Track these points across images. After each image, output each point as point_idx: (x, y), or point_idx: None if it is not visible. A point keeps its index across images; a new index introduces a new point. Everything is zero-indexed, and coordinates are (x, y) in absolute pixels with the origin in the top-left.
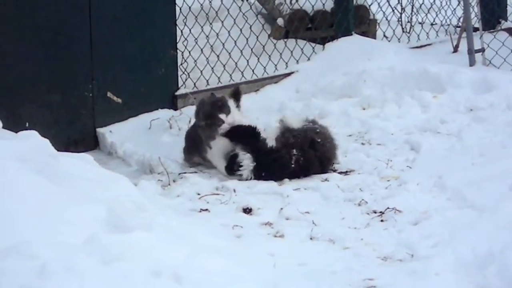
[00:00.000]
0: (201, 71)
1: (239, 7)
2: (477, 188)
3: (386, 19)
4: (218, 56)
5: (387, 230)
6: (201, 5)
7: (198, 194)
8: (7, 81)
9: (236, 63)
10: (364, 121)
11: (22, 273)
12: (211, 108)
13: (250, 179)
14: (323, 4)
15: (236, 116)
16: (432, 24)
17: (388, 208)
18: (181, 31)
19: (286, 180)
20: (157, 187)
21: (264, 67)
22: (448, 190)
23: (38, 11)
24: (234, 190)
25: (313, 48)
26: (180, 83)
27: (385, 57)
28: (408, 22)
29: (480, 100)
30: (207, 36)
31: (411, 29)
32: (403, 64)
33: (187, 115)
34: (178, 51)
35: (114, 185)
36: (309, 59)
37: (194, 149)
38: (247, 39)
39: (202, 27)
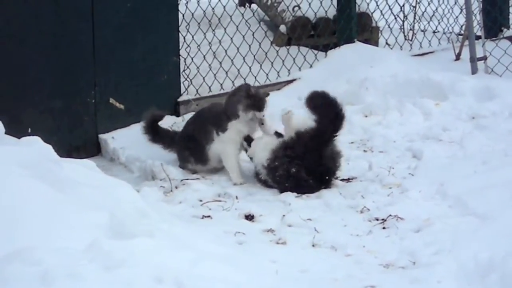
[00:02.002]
0: (204, 78)
1: (242, 14)
2: (479, 196)
3: (389, 27)
4: (220, 62)
5: (389, 237)
6: (204, 11)
7: (200, 200)
8: (10, 86)
9: (238, 69)
10: (366, 129)
11: (25, 279)
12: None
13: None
14: (326, 12)
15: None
16: (434, 32)
17: (390, 215)
18: (184, 38)
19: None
20: (159, 194)
21: (267, 74)
22: (450, 198)
23: (41, 17)
24: (236, 197)
25: (316, 55)
26: (182, 89)
27: (387, 65)
28: (411, 29)
29: (482, 108)
30: (209, 43)
31: (413, 37)
32: (405, 71)
33: None
34: (180, 57)
35: (117, 191)
36: (311, 66)
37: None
38: (249, 46)
39: (204, 33)
